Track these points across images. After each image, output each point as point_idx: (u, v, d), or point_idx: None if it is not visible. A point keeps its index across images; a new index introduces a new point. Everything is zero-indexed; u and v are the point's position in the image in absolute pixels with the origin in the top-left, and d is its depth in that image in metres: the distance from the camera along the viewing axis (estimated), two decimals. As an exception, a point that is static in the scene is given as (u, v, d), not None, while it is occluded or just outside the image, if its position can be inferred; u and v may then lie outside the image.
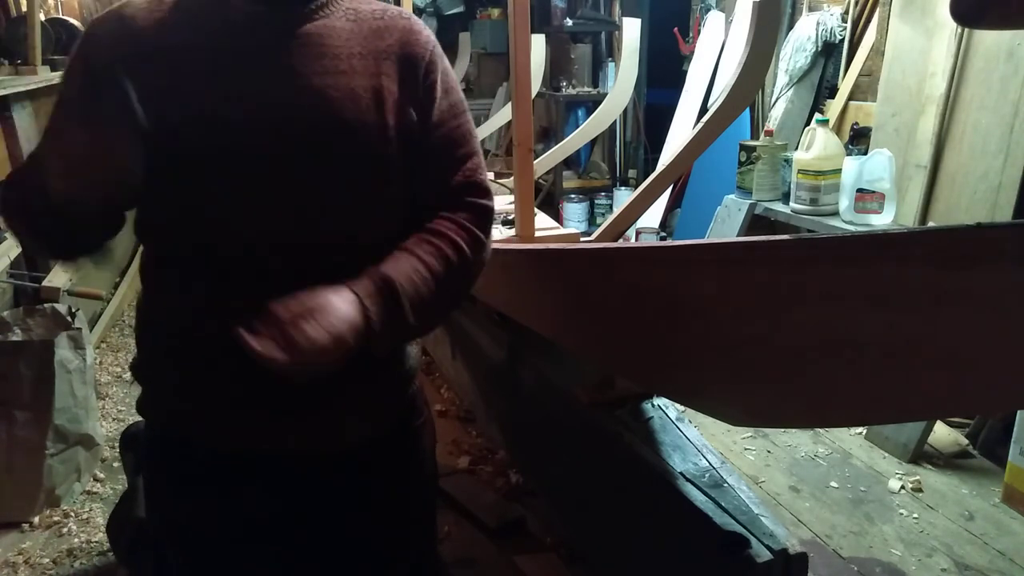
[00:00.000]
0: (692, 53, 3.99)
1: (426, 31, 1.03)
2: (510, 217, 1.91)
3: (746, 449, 2.23)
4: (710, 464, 1.37)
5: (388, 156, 0.96)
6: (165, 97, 0.86)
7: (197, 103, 0.88)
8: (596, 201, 4.71)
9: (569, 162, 4.94)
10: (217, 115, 0.88)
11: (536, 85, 3.17)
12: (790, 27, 3.26)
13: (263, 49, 0.92)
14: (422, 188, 1.00)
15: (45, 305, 2.11)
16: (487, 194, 1.04)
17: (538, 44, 3.39)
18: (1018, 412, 1.91)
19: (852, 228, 2.40)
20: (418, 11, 6.20)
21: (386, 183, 0.97)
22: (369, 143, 0.94)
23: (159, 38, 0.90)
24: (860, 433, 2.29)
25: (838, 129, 2.94)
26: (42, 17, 3.27)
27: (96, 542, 1.84)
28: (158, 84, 0.86)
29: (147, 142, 0.82)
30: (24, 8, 3.22)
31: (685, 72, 4.02)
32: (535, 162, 2.00)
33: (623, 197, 4.14)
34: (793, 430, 2.29)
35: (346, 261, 0.91)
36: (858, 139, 2.84)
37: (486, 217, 1.03)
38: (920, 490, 2.01)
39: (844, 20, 3.02)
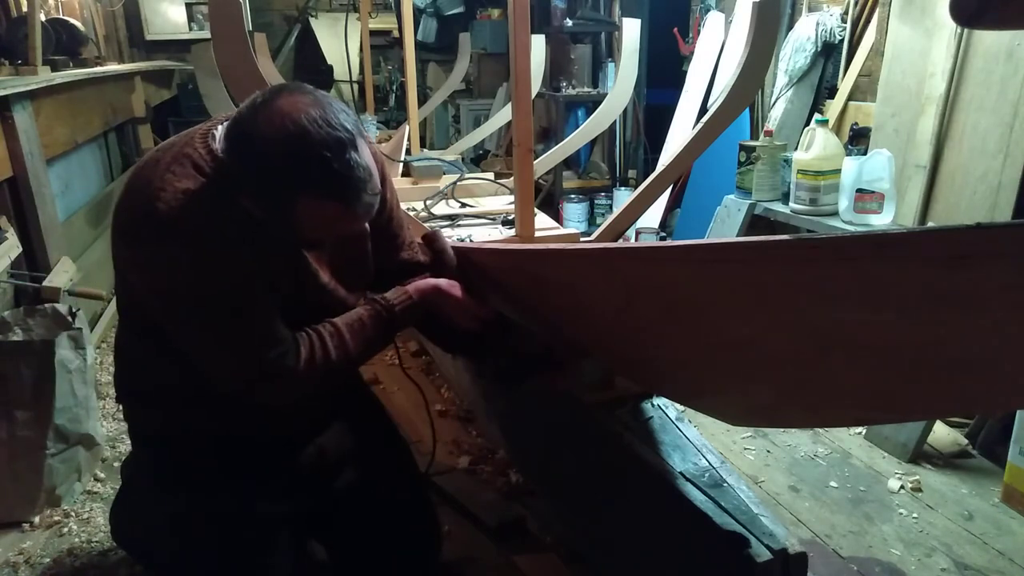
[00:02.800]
0: (692, 53, 3.99)
1: (375, 147, 1.33)
2: (510, 217, 1.91)
3: (746, 449, 2.23)
4: (710, 464, 1.38)
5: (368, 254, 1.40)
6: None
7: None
8: (596, 201, 4.71)
9: (569, 162, 4.94)
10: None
11: (536, 85, 3.17)
12: (790, 27, 3.26)
13: None
14: (386, 263, 1.45)
15: (45, 305, 2.11)
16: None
17: (538, 44, 3.39)
18: (1018, 412, 1.91)
19: (852, 228, 2.40)
20: (418, 11, 6.20)
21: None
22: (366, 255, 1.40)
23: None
24: (860, 433, 2.29)
25: (838, 129, 2.94)
26: (42, 17, 3.27)
27: (96, 542, 1.84)
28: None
29: None
30: (24, 8, 3.22)
31: (685, 72, 4.02)
32: (535, 162, 2.01)
33: (623, 197, 4.14)
34: (793, 430, 2.29)
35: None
36: (858, 139, 2.84)
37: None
38: (920, 490, 2.02)
39: (844, 20, 3.02)
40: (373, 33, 4.84)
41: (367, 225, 1.31)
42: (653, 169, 1.99)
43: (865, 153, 2.58)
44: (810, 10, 3.18)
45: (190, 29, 6.11)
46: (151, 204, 1.10)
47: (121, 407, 1.55)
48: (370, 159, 1.12)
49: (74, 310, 2.09)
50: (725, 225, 2.87)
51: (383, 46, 6.37)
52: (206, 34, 5.04)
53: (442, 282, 1.42)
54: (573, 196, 4.68)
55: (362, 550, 1.49)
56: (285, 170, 1.06)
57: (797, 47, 3.13)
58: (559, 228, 2.13)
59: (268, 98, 1.08)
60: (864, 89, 2.92)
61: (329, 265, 1.32)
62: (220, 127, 1.18)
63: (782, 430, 2.29)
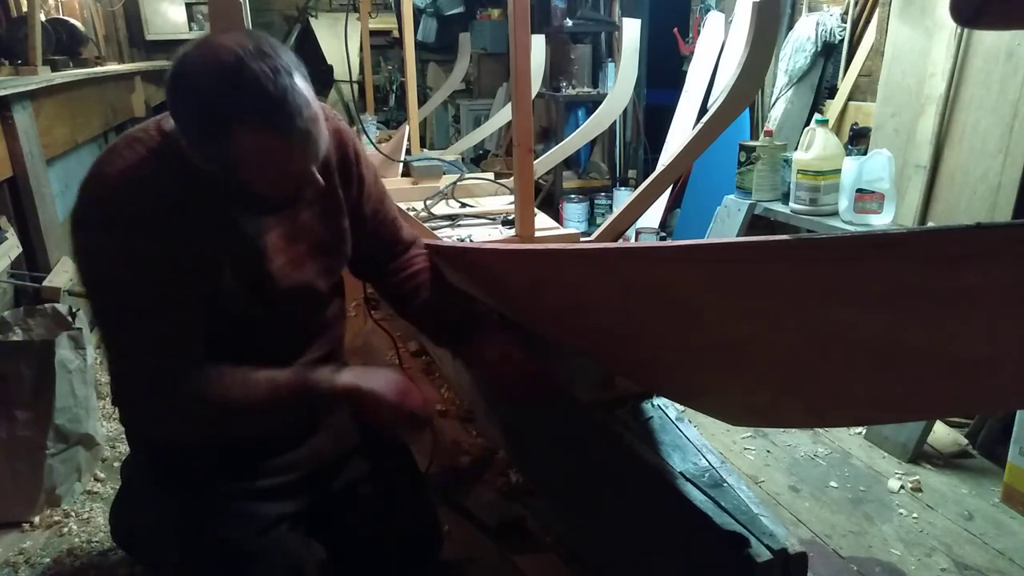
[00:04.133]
0: (692, 53, 3.99)
1: (343, 125, 1.37)
2: (510, 217, 1.91)
3: (746, 449, 2.23)
4: (710, 464, 1.38)
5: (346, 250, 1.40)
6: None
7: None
8: (596, 201, 4.71)
9: (569, 162, 4.94)
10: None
11: (536, 85, 3.17)
12: (790, 27, 3.26)
13: None
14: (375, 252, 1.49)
15: (46, 305, 2.11)
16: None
17: (538, 44, 3.39)
18: (1018, 412, 1.91)
19: (852, 228, 2.40)
20: (418, 11, 6.20)
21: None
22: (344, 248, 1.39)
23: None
24: (860, 433, 2.29)
25: (838, 129, 2.94)
26: (42, 17, 3.27)
27: (97, 542, 1.84)
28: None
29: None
30: (24, 8, 3.22)
31: (685, 72, 4.02)
32: (535, 162, 2.00)
33: (623, 197, 4.14)
34: (793, 430, 2.29)
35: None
36: (858, 139, 2.84)
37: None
38: (920, 490, 2.02)
39: (844, 20, 3.03)
40: (373, 33, 4.84)
41: (343, 201, 1.34)
42: (653, 169, 1.99)
43: (865, 153, 2.58)
44: (810, 10, 3.18)
45: (190, 29, 6.11)
46: (87, 190, 1.12)
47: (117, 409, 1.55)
48: (311, 96, 1.09)
49: (74, 310, 2.10)
50: (725, 225, 2.87)
51: (383, 46, 6.37)
52: (206, 34, 5.03)
53: (382, 384, 1.29)
54: (573, 196, 4.68)
55: (362, 549, 1.49)
56: (216, 98, 1.03)
57: (797, 47, 3.13)
58: (559, 228, 2.13)
59: (206, 38, 1.08)
60: (864, 89, 2.92)
61: (294, 247, 1.28)
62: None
63: (782, 430, 2.29)
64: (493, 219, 2.34)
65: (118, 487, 1.49)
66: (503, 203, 2.50)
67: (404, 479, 1.58)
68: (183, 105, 1.08)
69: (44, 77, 2.77)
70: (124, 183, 1.11)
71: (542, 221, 2.08)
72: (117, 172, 1.12)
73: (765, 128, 3.04)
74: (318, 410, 1.36)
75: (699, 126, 1.81)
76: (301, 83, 1.07)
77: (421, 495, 1.60)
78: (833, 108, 3.02)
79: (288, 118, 1.05)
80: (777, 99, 3.25)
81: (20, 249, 2.36)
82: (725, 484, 1.31)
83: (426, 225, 2.23)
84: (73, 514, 1.95)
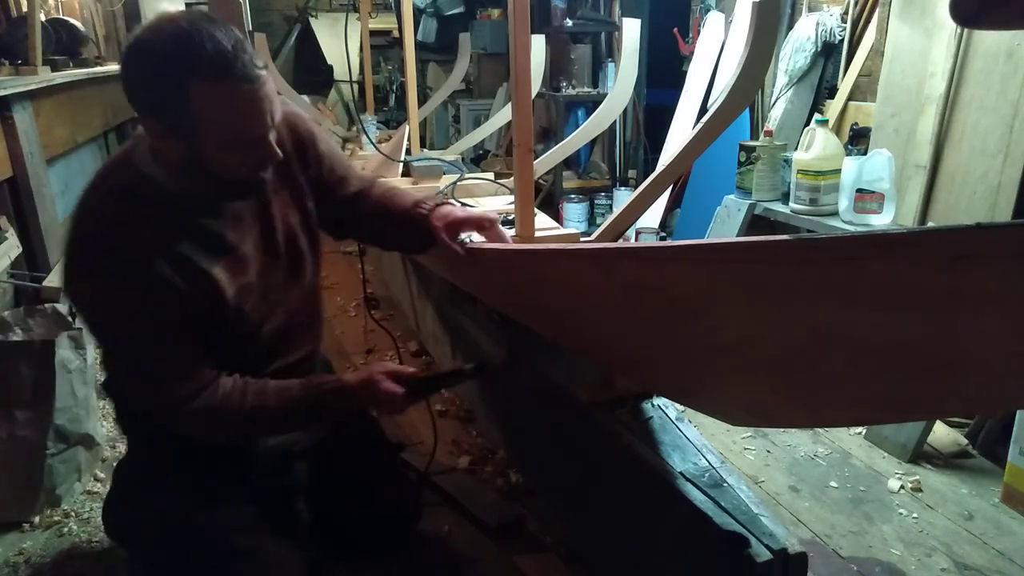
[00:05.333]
0: (692, 53, 3.99)
1: (294, 107, 1.42)
2: (510, 217, 1.91)
3: (746, 449, 2.23)
4: (710, 464, 1.38)
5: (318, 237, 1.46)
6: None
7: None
8: (596, 201, 4.71)
9: (569, 162, 4.94)
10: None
11: (536, 85, 3.16)
12: (790, 27, 3.26)
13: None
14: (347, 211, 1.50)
15: (45, 305, 2.11)
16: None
17: (538, 44, 3.38)
18: (1018, 412, 1.91)
19: (852, 228, 2.40)
20: (418, 11, 6.20)
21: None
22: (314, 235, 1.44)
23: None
24: (860, 433, 2.29)
25: (838, 129, 2.94)
26: (42, 17, 3.27)
27: (97, 542, 1.84)
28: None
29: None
30: (24, 8, 3.22)
31: (685, 72, 4.02)
32: (535, 162, 2.00)
33: (623, 197, 4.14)
34: (793, 430, 2.29)
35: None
36: (858, 139, 2.84)
37: None
38: (920, 490, 2.02)
39: (844, 20, 3.02)
40: (373, 33, 4.84)
41: (305, 186, 1.38)
42: (653, 169, 1.99)
43: (865, 153, 2.58)
44: (810, 10, 3.18)
45: (190, 29, 6.10)
46: (75, 247, 1.19)
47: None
48: (253, 52, 1.12)
49: (74, 310, 2.09)
50: (725, 225, 2.87)
51: (383, 46, 6.37)
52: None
53: (379, 376, 1.35)
54: (573, 196, 4.68)
55: (339, 517, 1.57)
56: (169, 63, 1.08)
57: (797, 47, 3.12)
58: (559, 228, 2.12)
59: (148, 22, 1.14)
60: (864, 89, 2.92)
61: (271, 246, 1.34)
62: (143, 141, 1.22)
63: (782, 430, 2.29)
64: (493, 219, 2.34)
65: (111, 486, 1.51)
66: (503, 203, 2.49)
67: (375, 453, 1.65)
68: (140, 85, 1.12)
69: (44, 77, 2.77)
70: (106, 236, 1.16)
71: (542, 221, 2.08)
72: (99, 226, 1.17)
73: (765, 128, 3.04)
74: (332, 412, 1.39)
75: (699, 126, 1.81)
76: (246, 44, 1.11)
77: (392, 464, 1.68)
78: (833, 108, 3.02)
79: (237, 71, 1.08)
80: (777, 99, 3.25)
81: (20, 249, 2.36)
82: (725, 484, 1.31)
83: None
84: (73, 514, 1.95)
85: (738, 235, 2.76)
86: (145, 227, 1.16)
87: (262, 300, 1.31)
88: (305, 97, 4.78)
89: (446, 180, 2.70)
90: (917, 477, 2.05)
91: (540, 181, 4.74)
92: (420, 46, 5.71)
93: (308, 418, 1.36)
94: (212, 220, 1.24)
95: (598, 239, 1.94)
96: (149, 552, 1.38)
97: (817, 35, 3.06)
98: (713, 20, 3.84)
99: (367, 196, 1.51)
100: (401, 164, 2.87)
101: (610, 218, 1.96)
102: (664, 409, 1.56)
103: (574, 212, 4.60)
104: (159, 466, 1.39)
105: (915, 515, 1.92)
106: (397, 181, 2.79)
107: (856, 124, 2.88)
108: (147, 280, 1.15)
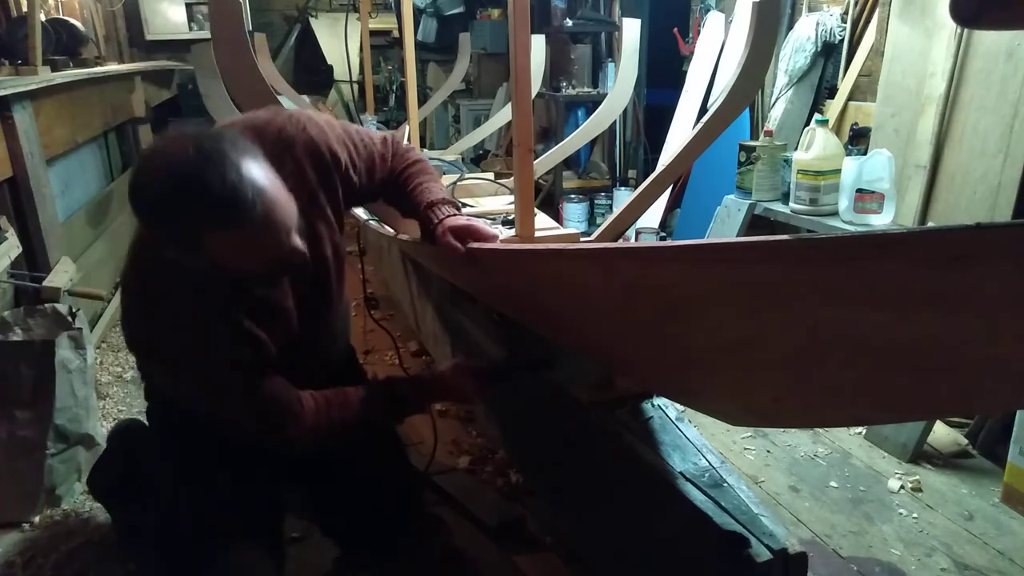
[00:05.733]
0: (692, 53, 3.99)
1: (313, 129, 1.37)
2: (510, 217, 1.91)
3: (746, 449, 2.23)
4: (710, 464, 1.38)
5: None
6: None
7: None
8: (596, 201, 4.71)
9: (569, 162, 4.94)
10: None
11: (536, 85, 3.17)
12: (790, 27, 3.26)
13: None
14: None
15: (46, 305, 2.11)
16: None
17: (538, 44, 3.39)
18: (1018, 412, 1.91)
19: (852, 228, 2.40)
20: (418, 11, 6.20)
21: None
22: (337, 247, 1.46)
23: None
24: (860, 433, 2.29)
25: (838, 129, 2.94)
26: (42, 17, 3.27)
27: (96, 542, 1.84)
28: None
29: None
30: (24, 8, 3.22)
31: (685, 72, 4.02)
32: (535, 162, 2.00)
33: (623, 197, 4.14)
34: (793, 430, 2.29)
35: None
36: (858, 139, 2.84)
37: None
38: (920, 490, 2.02)
39: (844, 20, 3.02)
40: (373, 33, 4.84)
41: (331, 213, 1.40)
42: (653, 169, 1.99)
43: (865, 153, 2.58)
44: (810, 10, 3.18)
45: (190, 29, 6.11)
46: (149, 340, 1.27)
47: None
48: (263, 174, 1.12)
49: (74, 310, 2.10)
50: (725, 225, 2.87)
51: (383, 46, 6.37)
52: (206, 34, 5.04)
53: (448, 374, 1.50)
54: (573, 196, 4.68)
55: (341, 510, 1.61)
56: (178, 218, 1.09)
57: (797, 47, 3.12)
58: (559, 228, 2.13)
59: (148, 154, 1.14)
60: (864, 89, 2.92)
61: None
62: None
63: (782, 430, 2.29)
64: (493, 219, 2.34)
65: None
66: (503, 203, 2.49)
67: (379, 445, 1.67)
68: (157, 230, 1.15)
69: (44, 77, 2.77)
70: (169, 325, 1.22)
71: (542, 221, 2.08)
72: (162, 325, 1.23)
73: (765, 128, 3.04)
74: (412, 409, 1.53)
75: (699, 126, 1.81)
76: (250, 167, 1.10)
77: (397, 454, 1.70)
78: (833, 108, 3.02)
79: (244, 214, 1.08)
80: (777, 99, 3.25)
81: (20, 249, 2.36)
82: (725, 484, 1.31)
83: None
84: (73, 514, 1.95)
85: (738, 235, 2.76)
86: (198, 302, 1.21)
87: (307, 332, 1.40)
88: (305, 97, 4.78)
89: (446, 180, 2.70)
90: (917, 477, 2.05)
91: (540, 181, 4.74)
92: (420, 46, 5.71)
93: (391, 417, 1.51)
94: (252, 287, 1.29)
95: (598, 239, 1.94)
96: (136, 515, 1.49)
97: (817, 35, 3.06)
98: (713, 20, 3.84)
99: (389, 184, 1.55)
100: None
101: (610, 218, 1.96)
102: (664, 409, 1.56)
103: (574, 212, 4.60)
104: (167, 434, 1.48)
105: (915, 515, 1.92)
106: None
107: (856, 124, 2.88)
108: (215, 342, 1.23)
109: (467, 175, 2.76)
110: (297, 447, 1.39)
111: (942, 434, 2.21)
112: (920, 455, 2.15)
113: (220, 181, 1.06)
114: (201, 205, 1.06)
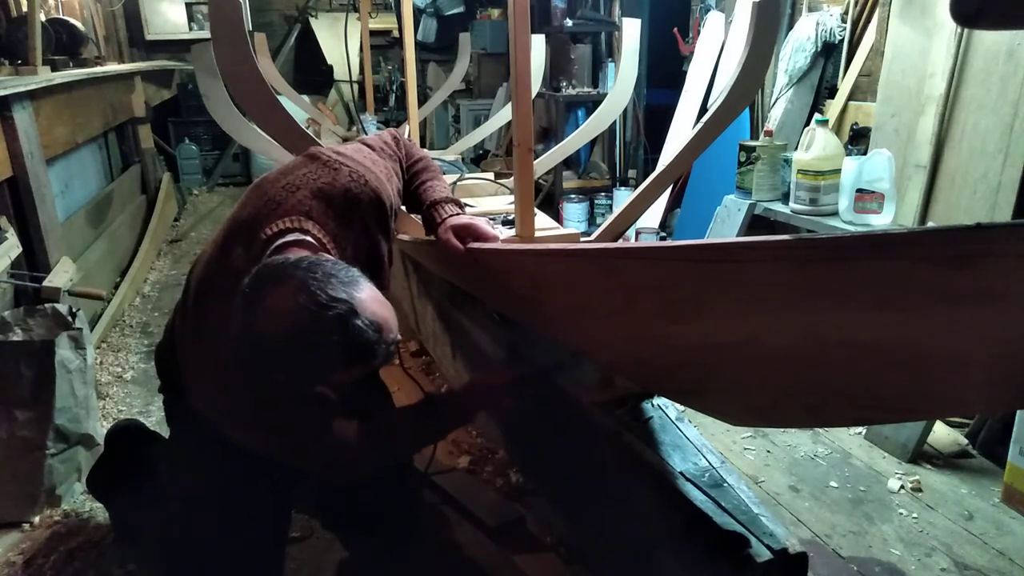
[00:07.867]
0: (692, 53, 3.99)
1: (374, 175, 1.42)
2: (510, 217, 1.91)
3: (746, 449, 2.23)
4: (710, 464, 1.38)
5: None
6: None
7: None
8: (596, 201, 4.71)
9: (569, 162, 4.94)
10: None
11: (536, 85, 3.16)
12: (790, 27, 3.26)
13: None
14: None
15: (46, 305, 2.11)
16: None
17: (538, 44, 3.38)
18: (1018, 412, 1.91)
19: (852, 228, 2.40)
20: (418, 11, 6.20)
21: None
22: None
23: None
24: (860, 433, 2.29)
25: (838, 129, 2.94)
26: (42, 17, 3.27)
27: (96, 542, 1.84)
28: None
29: None
30: (24, 8, 3.22)
31: (685, 72, 4.02)
32: (535, 162, 2.00)
33: (623, 197, 4.14)
34: (793, 430, 2.29)
35: None
36: (858, 139, 2.84)
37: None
38: (920, 490, 2.02)
39: (844, 20, 3.02)
40: (373, 33, 4.84)
41: (385, 252, 1.46)
42: (653, 169, 1.99)
43: (865, 153, 2.58)
44: (810, 10, 3.18)
45: (190, 29, 6.11)
46: (240, 414, 1.30)
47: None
48: (374, 303, 1.14)
49: (74, 310, 2.09)
50: (725, 225, 2.87)
51: (383, 46, 6.37)
52: (206, 34, 5.03)
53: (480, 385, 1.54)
54: (573, 196, 4.68)
55: (343, 509, 1.66)
56: (303, 368, 1.13)
57: (797, 47, 3.12)
58: (559, 228, 2.12)
59: (254, 297, 1.10)
60: (864, 89, 2.92)
61: None
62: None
63: (782, 430, 2.29)
64: (493, 219, 2.34)
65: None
66: (503, 203, 2.49)
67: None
68: (271, 373, 1.15)
69: (44, 77, 2.77)
70: (248, 390, 1.25)
71: (542, 221, 2.08)
72: (239, 388, 1.26)
73: (765, 128, 3.04)
74: (451, 426, 1.58)
75: (699, 126, 1.81)
76: (362, 303, 1.11)
77: (401, 480, 1.71)
78: (833, 108, 3.01)
79: (372, 352, 1.13)
80: (777, 99, 3.25)
81: (20, 249, 2.36)
82: (725, 484, 1.31)
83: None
84: (73, 514, 1.95)
85: (738, 235, 2.76)
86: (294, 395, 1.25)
87: None
88: (305, 97, 4.78)
89: (446, 180, 2.70)
90: (917, 477, 2.05)
91: (540, 181, 4.74)
92: (420, 46, 5.71)
93: (435, 436, 1.57)
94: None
95: (598, 239, 1.94)
96: (136, 515, 1.52)
97: (817, 35, 3.06)
98: (713, 20, 3.84)
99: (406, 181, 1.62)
100: (401, 164, 2.87)
101: (610, 218, 1.96)
102: (664, 409, 1.56)
103: (574, 212, 4.60)
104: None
105: (915, 515, 1.92)
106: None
107: (856, 124, 2.88)
108: (306, 422, 1.30)
109: (467, 175, 2.76)
110: (352, 479, 1.48)
111: (942, 434, 2.21)
112: (920, 455, 2.15)
113: (348, 330, 1.08)
114: (331, 355, 1.10)
